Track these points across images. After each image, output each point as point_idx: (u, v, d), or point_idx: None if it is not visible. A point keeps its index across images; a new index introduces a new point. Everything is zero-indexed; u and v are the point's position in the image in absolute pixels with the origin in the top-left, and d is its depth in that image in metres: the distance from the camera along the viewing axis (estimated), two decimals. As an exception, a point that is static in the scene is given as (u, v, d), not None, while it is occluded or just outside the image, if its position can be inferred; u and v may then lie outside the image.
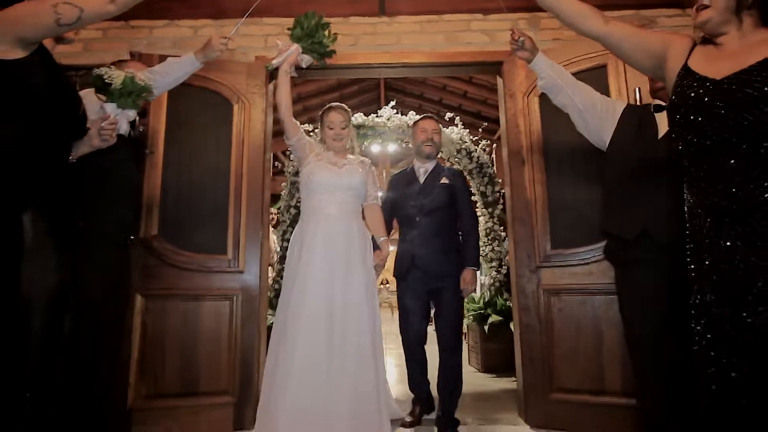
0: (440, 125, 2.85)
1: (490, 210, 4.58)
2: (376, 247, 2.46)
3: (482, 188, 4.61)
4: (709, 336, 1.24)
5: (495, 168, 4.78)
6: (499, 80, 2.93)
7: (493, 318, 4.12)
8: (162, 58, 2.46)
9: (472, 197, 3.84)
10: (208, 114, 2.77)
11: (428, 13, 3.02)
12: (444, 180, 2.65)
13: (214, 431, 2.44)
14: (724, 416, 1.21)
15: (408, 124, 4.35)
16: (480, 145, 4.67)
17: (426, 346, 2.66)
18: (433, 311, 2.72)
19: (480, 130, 4.83)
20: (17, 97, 1.40)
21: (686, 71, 1.38)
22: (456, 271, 2.54)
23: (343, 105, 2.53)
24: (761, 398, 1.16)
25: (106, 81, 1.75)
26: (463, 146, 4.57)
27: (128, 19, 3.06)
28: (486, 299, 4.41)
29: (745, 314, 1.18)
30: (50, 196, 1.50)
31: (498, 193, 4.58)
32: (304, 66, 2.32)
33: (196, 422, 2.44)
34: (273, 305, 3.52)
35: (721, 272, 1.24)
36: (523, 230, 2.67)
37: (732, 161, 1.25)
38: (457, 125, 4.65)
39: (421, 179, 2.69)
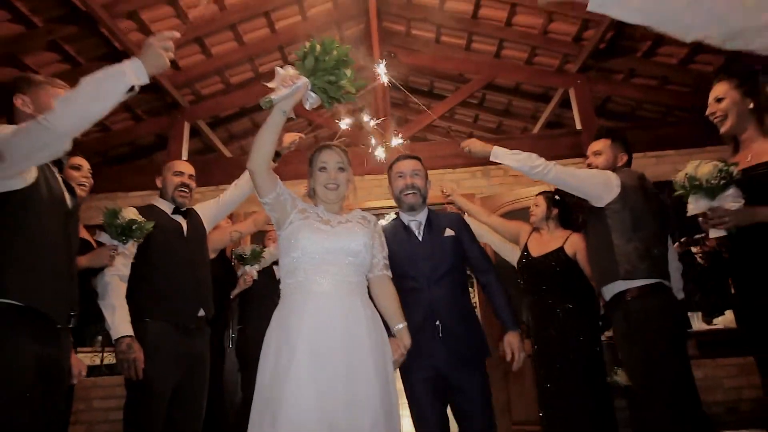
0: (423, 167, 2.27)
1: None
2: (390, 334, 1.82)
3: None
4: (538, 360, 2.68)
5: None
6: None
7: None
8: (246, 215, 3.99)
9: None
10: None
11: (416, 169, 4.57)
12: (449, 232, 2.18)
13: None
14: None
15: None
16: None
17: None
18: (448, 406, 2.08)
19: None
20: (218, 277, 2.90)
21: (525, 247, 2.85)
22: (482, 345, 2.09)
23: (341, 144, 1.93)
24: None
25: (243, 256, 3.25)
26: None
27: (218, 184, 4.62)
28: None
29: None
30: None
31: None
32: (308, 107, 1.69)
33: None
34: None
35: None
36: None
37: (546, 294, 2.67)
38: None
39: (419, 235, 2.19)
